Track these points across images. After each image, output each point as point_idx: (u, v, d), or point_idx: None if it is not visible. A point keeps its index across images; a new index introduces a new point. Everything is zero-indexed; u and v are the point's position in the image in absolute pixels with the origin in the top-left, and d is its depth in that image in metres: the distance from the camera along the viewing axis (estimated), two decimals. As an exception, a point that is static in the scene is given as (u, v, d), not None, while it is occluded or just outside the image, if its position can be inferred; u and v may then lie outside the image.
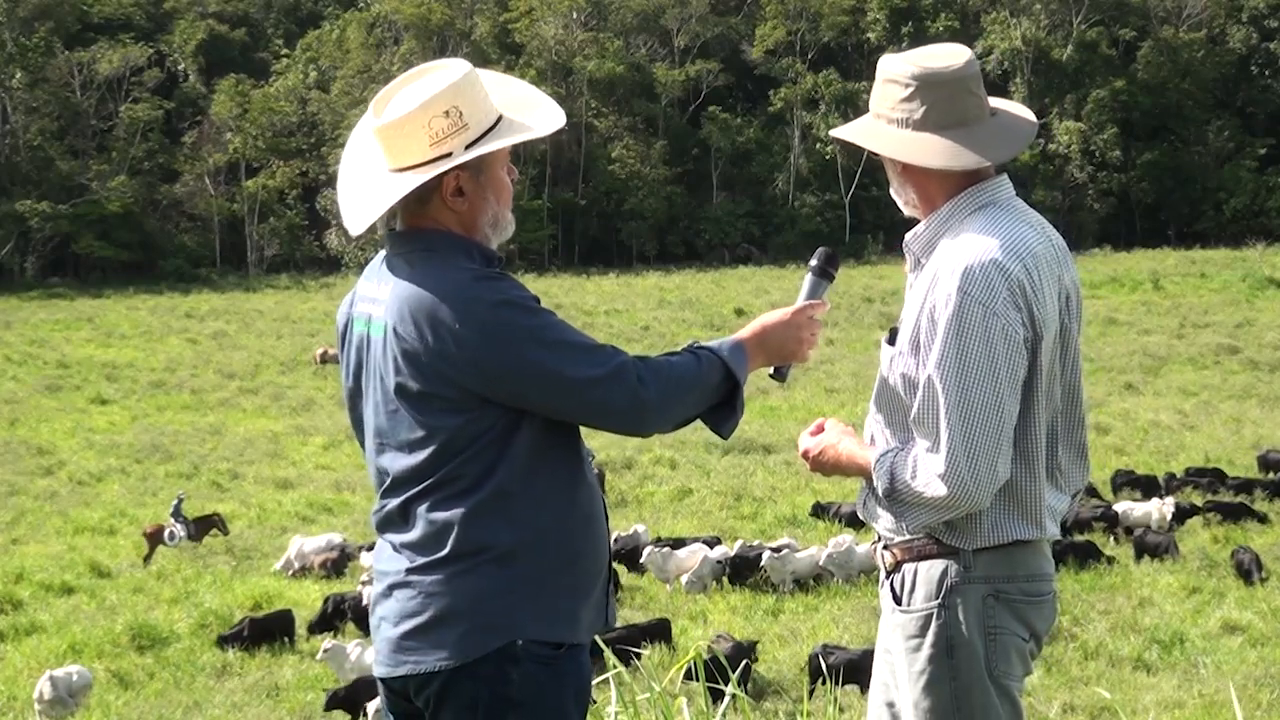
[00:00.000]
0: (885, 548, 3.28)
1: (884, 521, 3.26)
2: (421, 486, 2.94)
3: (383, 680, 3.05)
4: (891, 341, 3.22)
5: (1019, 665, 3.23)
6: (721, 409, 3.07)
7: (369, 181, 2.99)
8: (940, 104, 3.18)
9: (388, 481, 3.00)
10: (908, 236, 3.25)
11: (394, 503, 2.99)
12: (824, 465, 3.32)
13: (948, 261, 3.09)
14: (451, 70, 2.97)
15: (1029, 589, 3.24)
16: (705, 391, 3.02)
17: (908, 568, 3.23)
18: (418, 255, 2.94)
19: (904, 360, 3.16)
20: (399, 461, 2.97)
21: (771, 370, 3.27)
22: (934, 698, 3.19)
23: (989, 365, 3.01)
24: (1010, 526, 3.18)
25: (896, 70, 3.20)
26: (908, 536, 3.21)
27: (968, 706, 3.18)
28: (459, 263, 2.91)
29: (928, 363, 3.06)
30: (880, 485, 3.15)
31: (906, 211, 3.29)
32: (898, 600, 3.24)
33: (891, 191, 3.31)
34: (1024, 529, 3.19)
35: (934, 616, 3.18)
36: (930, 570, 3.19)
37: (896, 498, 3.14)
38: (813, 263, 3.32)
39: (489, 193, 3.00)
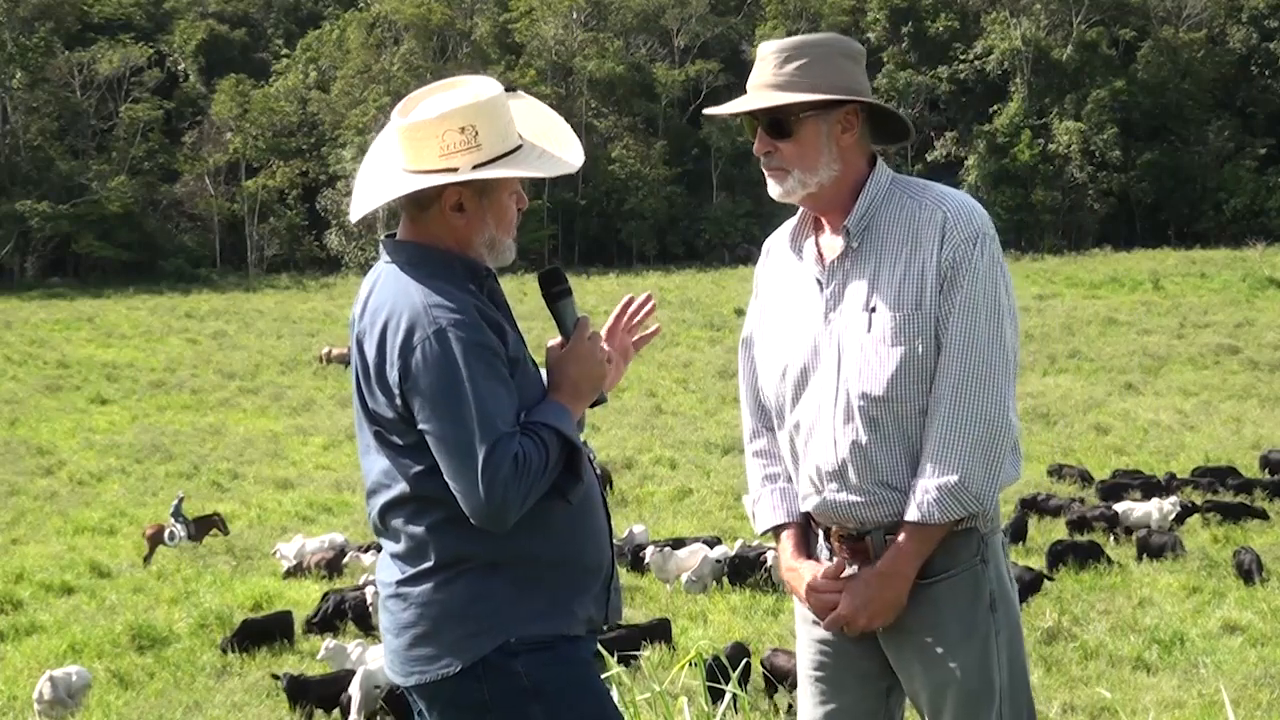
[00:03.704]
0: (889, 533, 3.18)
1: (888, 508, 3.18)
2: (391, 496, 2.97)
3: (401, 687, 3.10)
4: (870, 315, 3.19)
5: None
6: (564, 475, 2.97)
7: (381, 174, 3.02)
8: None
9: (367, 484, 3.04)
10: (850, 220, 3.21)
11: (374, 509, 3.03)
12: (887, 593, 3.16)
13: (948, 207, 3.16)
14: (479, 89, 2.99)
15: None
16: (552, 473, 2.93)
17: None
18: (403, 268, 2.96)
19: (919, 318, 3.12)
20: (371, 465, 3.01)
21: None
22: (980, 657, 3.17)
23: (1009, 299, 3.19)
24: (1018, 467, 3.21)
25: (848, 45, 3.28)
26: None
27: (1005, 658, 3.19)
28: (436, 284, 2.90)
29: (966, 305, 3.10)
30: (987, 491, 3.11)
31: (800, 193, 3.22)
32: (921, 575, 3.17)
33: (798, 170, 3.20)
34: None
35: (979, 573, 3.18)
36: (961, 528, 3.17)
37: (995, 467, 3.11)
38: (543, 294, 3.14)
39: (489, 215, 3.00)
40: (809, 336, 3.25)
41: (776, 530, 3.39)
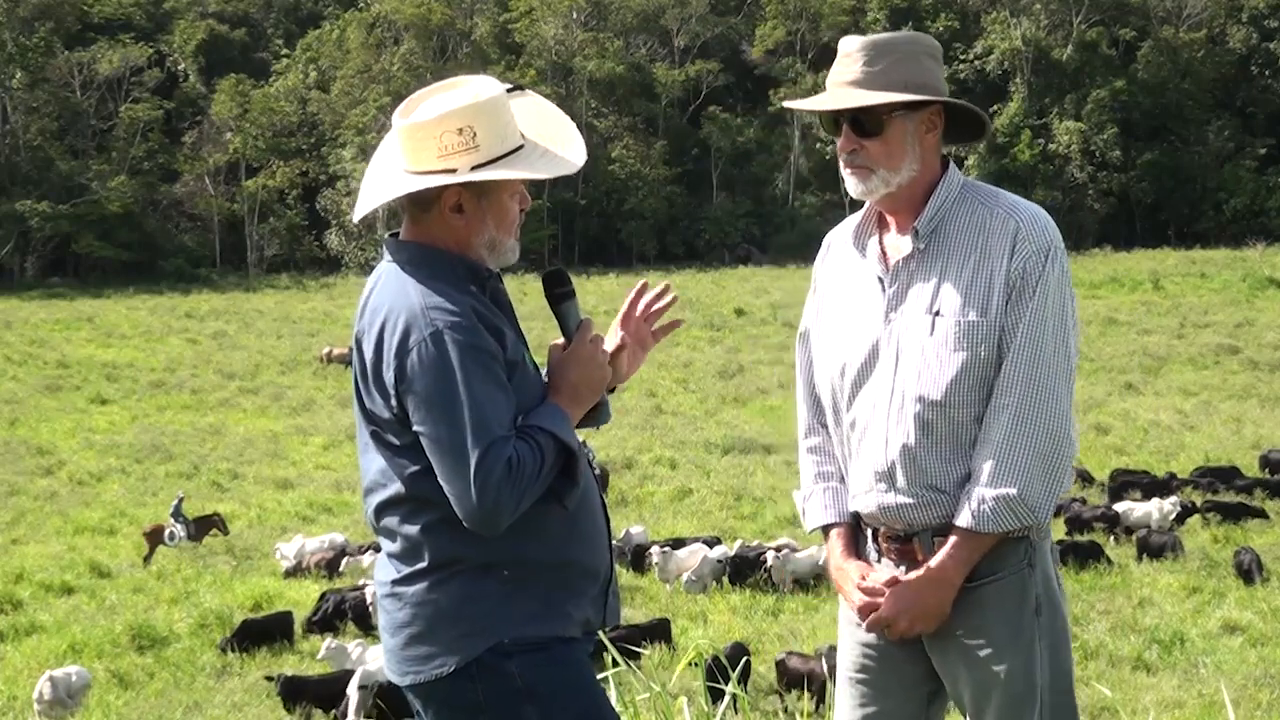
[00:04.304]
0: (936, 535, 3.19)
1: (937, 510, 3.19)
2: (386, 496, 2.97)
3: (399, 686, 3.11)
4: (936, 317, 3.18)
5: None
6: (560, 480, 2.97)
7: (384, 174, 3.03)
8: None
9: (364, 483, 3.05)
10: (920, 221, 3.21)
11: (369, 507, 3.04)
12: (931, 599, 3.18)
13: (1021, 217, 3.16)
14: (479, 89, 2.99)
15: None
16: (547, 477, 2.92)
17: None
18: (404, 268, 2.97)
19: (984, 326, 3.12)
20: (368, 464, 3.02)
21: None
22: (1023, 661, 3.17)
23: (1074, 313, 3.20)
24: (1070, 479, 3.22)
25: (931, 44, 3.29)
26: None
27: (1047, 663, 3.19)
28: (435, 285, 2.90)
29: (1035, 317, 3.11)
30: (1044, 504, 3.12)
31: (881, 191, 3.21)
32: (967, 578, 3.17)
33: (883, 169, 3.19)
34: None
35: (1025, 578, 3.18)
36: (1013, 534, 3.17)
37: (1054, 484, 3.13)
38: (546, 295, 3.12)
39: (489, 216, 3.00)
40: (868, 335, 3.24)
41: (826, 529, 3.39)
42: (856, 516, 3.35)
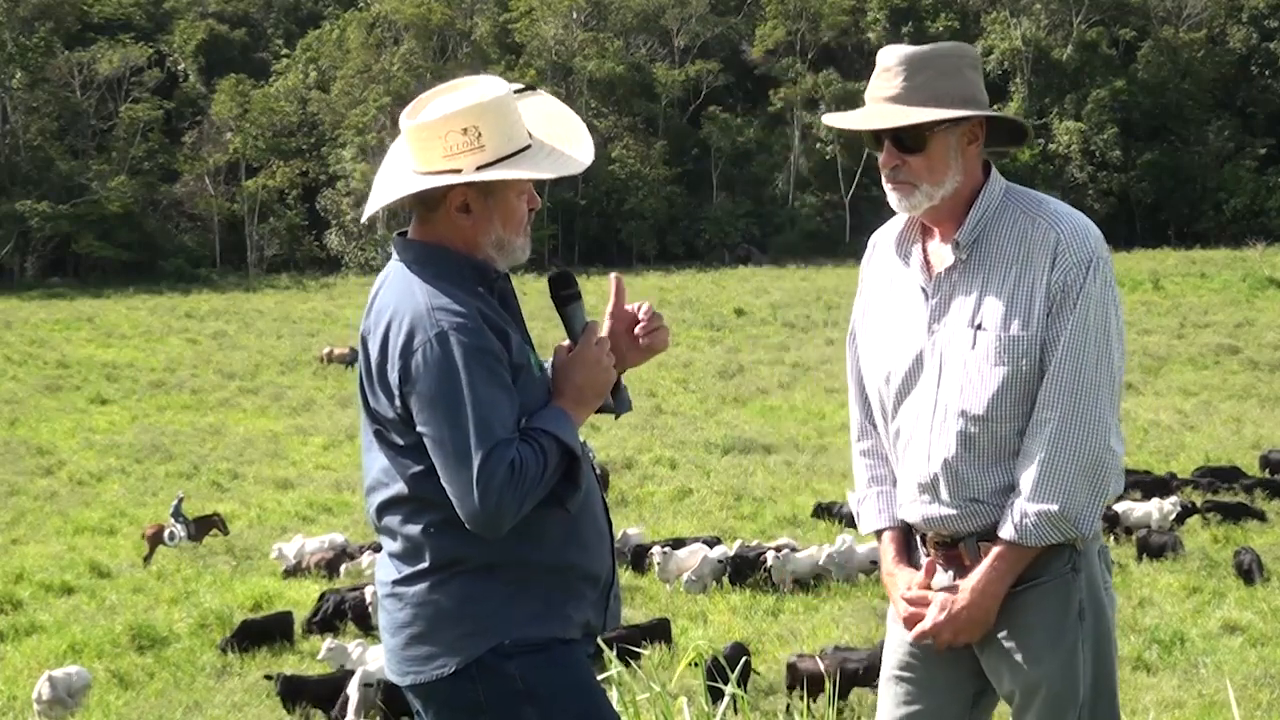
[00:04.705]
0: (982, 539, 3.19)
1: (980, 520, 3.20)
2: (389, 495, 2.97)
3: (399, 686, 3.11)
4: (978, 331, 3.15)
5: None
6: (563, 483, 2.96)
7: (393, 175, 3.04)
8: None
9: (366, 481, 3.05)
10: (961, 233, 3.18)
11: (371, 505, 3.04)
12: (975, 611, 3.18)
13: (1062, 228, 3.13)
14: (484, 90, 2.99)
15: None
16: (550, 480, 2.91)
17: None
18: (410, 267, 2.98)
19: (1025, 339, 3.11)
20: (371, 463, 3.02)
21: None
22: (1064, 665, 3.18)
23: (1119, 323, 3.18)
24: (1120, 482, 3.21)
25: (971, 54, 3.26)
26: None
27: (1089, 668, 3.20)
28: (441, 285, 2.91)
29: (1076, 329, 3.09)
30: (1086, 517, 3.11)
31: (925, 206, 3.19)
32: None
33: (926, 184, 3.17)
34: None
35: (1068, 582, 3.17)
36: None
37: (1098, 497, 3.12)
38: (552, 297, 3.13)
39: (495, 216, 3.00)
40: (913, 345, 3.23)
41: (879, 533, 3.41)
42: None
